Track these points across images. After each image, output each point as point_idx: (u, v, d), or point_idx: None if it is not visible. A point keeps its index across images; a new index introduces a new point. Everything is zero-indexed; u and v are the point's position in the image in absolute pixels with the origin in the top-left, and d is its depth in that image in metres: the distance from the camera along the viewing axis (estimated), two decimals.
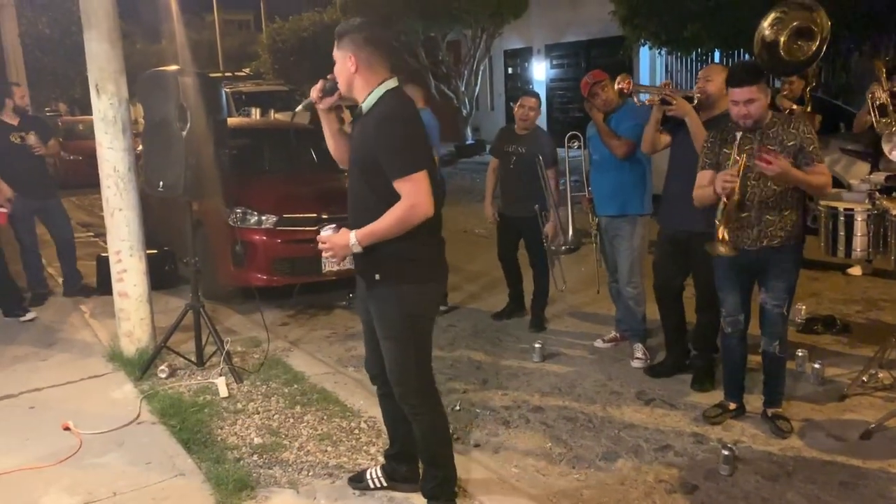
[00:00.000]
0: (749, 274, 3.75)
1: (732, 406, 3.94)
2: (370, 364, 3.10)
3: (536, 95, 5.56)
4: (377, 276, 2.74)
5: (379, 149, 2.64)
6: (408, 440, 3.11)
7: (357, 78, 2.75)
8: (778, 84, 7.03)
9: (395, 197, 2.64)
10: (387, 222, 2.65)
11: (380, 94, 2.75)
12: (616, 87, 4.39)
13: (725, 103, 4.09)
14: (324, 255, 2.75)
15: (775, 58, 4.29)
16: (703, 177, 3.70)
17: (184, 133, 4.30)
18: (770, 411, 3.82)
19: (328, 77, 2.84)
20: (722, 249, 3.50)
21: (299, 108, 2.88)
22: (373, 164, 2.67)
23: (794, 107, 6.21)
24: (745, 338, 3.86)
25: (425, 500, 3.03)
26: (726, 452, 3.37)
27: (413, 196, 2.61)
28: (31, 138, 6.08)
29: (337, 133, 2.99)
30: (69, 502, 3.18)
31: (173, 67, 4.66)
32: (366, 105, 2.75)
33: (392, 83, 2.76)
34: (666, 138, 4.33)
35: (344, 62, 2.75)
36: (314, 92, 2.85)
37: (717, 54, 11.58)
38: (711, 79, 4.14)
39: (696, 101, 4.11)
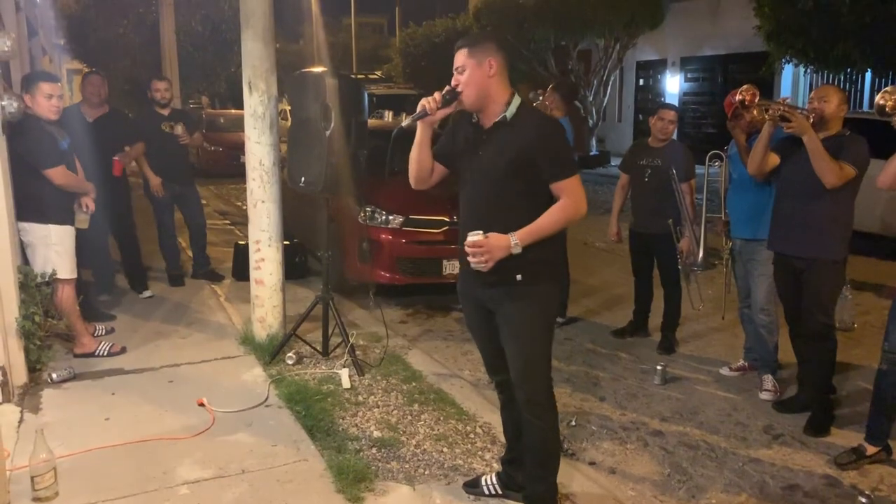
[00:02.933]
0: None
1: (871, 451, 3.68)
2: (494, 369, 3.11)
3: (675, 108, 5.43)
4: (518, 277, 2.78)
5: (540, 151, 2.73)
6: (520, 445, 3.13)
7: (493, 83, 2.77)
8: None
9: (541, 198, 2.74)
10: (549, 221, 2.72)
11: (518, 103, 2.80)
12: (737, 97, 4.20)
13: (838, 125, 3.92)
14: (474, 259, 2.72)
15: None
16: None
17: (327, 132, 4.47)
18: None
19: (448, 87, 2.80)
20: None
21: (408, 121, 2.83)
22: (527, 167, 2.73)
23: None
24: None
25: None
26: (864, 500, 3.17)
27: (575, 195, 2.74)
28: (179, 129, 6.49)
29: (428, 145, 2.94)
30: (202, 474, 3.38)
31: (320, 69, 4.86)
32: (509, 113, 2.78)
33: (518, 98, 2.83)
34: (775, 159, 4.12)
35: (480, 68, 2.75)
36: (431, 102, 2.78)
37: (868, 75, 10.92)
38: (828, 99, 3.92)
39: (811, 121, 3.90)
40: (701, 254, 5.06)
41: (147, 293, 6.34)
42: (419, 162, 2.94)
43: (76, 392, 4.30)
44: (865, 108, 12.52)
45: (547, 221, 2.73)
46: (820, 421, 4.06)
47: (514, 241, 2.69)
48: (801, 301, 4.09)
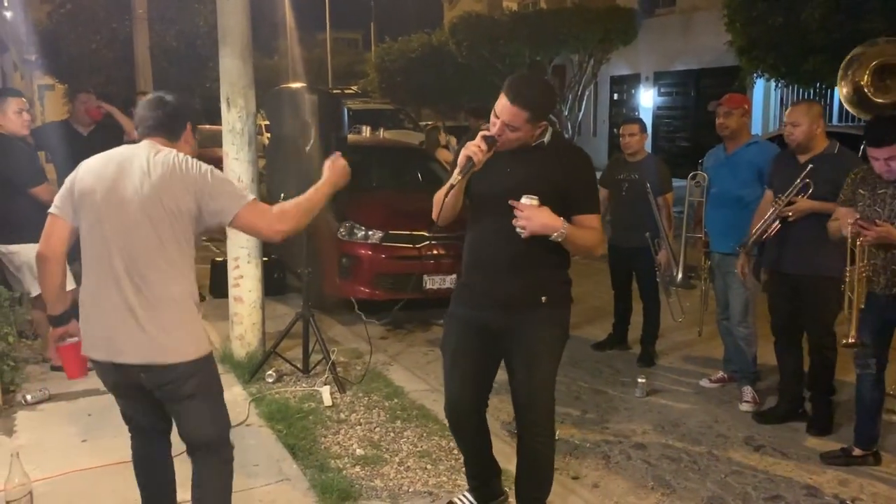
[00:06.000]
0: (883, 319, 3.58)
1: (858, 453, 3.76)
2: (468, 399, 3.00)
3: (637, 121, 5.49)
4: (543, 299, 2.78)
5: (576, 181, 2.77)
6: (491, 461, 3.19)
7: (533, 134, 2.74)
8: None
9: None
10: (585, 235, 2.75)
11: (551, 131, 2.80)
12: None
13: (821, 142, 4.00)
14: (516, 222, 2.64)
15: (865, 101, 4.12)
16: (839, 212, 3.64)
17: (307, 148, 4.46)
18: None
19: (489, 134, 2.68)
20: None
21: (460, 176, 2.65)
22: (557, 193, 2.71)
23: None
24: (879, 381, 3.67)
25: None
26: None
27: (601, 231, 2.82)
28: None
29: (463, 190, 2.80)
30: (183, 496, 3.26)
31: (298, 84, 4.86)
32: (546, 139, 2.77)
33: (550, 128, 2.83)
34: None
35: (532, 130, 2.69)
36: (479, 153, 2.64)
37: (836, 90, 11.13)
38: (798, 122, 3.97)
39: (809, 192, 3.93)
40: (680, 273, 5.07)
41: None
42: (454, 207, 2.82)
43: (52, 414, 4.22)
44: (835, 121, 12.77)
45: (583, 235, 2.74)
46: (822, 421, 4.17)
47: (563, 230, 2.64)
48: (795, 316, 4.18)
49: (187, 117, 2.68)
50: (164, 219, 2.45)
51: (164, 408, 2.65)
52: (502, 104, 2.64)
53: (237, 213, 2.52)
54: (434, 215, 2.85)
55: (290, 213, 2.64)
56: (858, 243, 3.44)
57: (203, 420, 2.63)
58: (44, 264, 2.58)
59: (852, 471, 3.74)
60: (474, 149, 2.65)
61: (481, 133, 2.70)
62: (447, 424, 4.02)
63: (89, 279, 2.54)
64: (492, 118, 2.71)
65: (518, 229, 2.65)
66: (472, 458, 3.18)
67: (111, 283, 2.48)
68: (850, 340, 3.49)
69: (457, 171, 2.69)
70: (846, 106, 4.15)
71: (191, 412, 2.60)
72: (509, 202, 2.65)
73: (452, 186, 2.68)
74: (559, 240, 2.66)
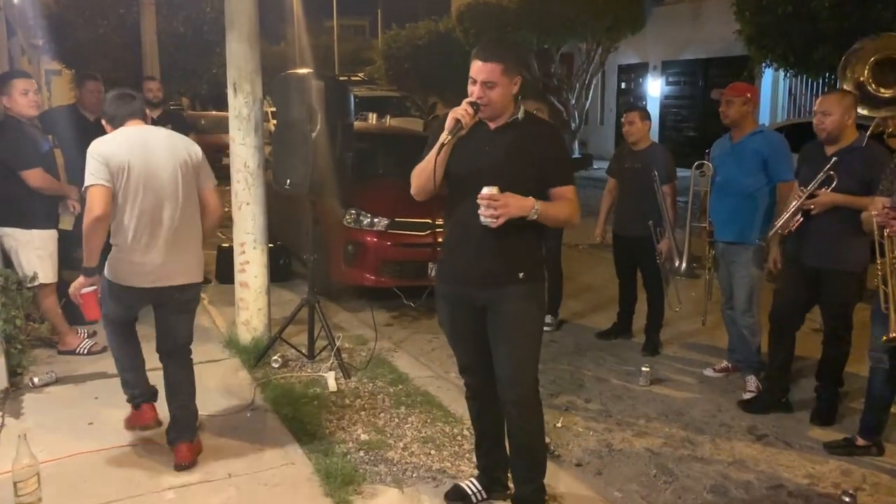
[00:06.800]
0: None
1: (861, 443, 3.78)
2: (472, 370, 3.08)
3: (639, 109, 5.44)
4: (521, 275, 2.84)
5: (551, 158, 2.85)
6: (501, 450, 3.18)
7: (512, 95, 2.82)
8: None
9: (537, 197, 2.78)
10: (558, 210, 2.83)
11: (523, 108, 2.88)
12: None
13: (851, 134, 3.94)
14: (485, 212, 2.67)
15: (870, 97, 4.10)
16: (876, 202, 3.54)
17: (313, 134, 4.46)
18: None
19: (476, 99, 2.75)
20: None
21: (449, 137, 2.72)
22: (534, 168, 2.80)
23: None
24: (892, 377, 3.65)
25: None
26: (847, 499, 3.21)
27: (575, 202, 2.87)
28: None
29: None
30: (188, 479, 3.35)
31: (305, 70, 4.85)
32: (520, 115, 2.84)
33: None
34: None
35: (510, 85, 2.78)
36: (466, 116, 2.72)
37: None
38: (830, 112, 3.91)
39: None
40: (684, 262, 5.05)
41: None
42: (438, 176, 2.82)
43: (59, 396, 4.25)
44: None
45: (557, 209, 2.82)
46: (827, 411, 4.19)
47: (537, 207, 2.71)
48: (800, 308, 4.19)
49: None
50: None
51: (164, 318, 3.52)
52: (477, 67, 2.74)
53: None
54: (412, 189, 2.92)
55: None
56: (886, 233, 3.39)
57: (188, 328, 3.59)
58: (102, 224, 3.25)
59: (855, 461, 3.75)
60: (461, 112, 2.73)
61: (466, 100, 2.77)
62: (449, 411, 4.11)
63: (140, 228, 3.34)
64: (469, 88, 2.78)
65: (487, 220, 2.68)
66: (484, 434, 3.20)
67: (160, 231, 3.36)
68: (892, 335, 3.38)
69: (444, 132, 2.74)
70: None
71: (183, 322, 3.54)
72: (477, 199, 2.68)
73: (443, 145, 2.74)
74: (534, 217, 2.73)
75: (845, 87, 4.63)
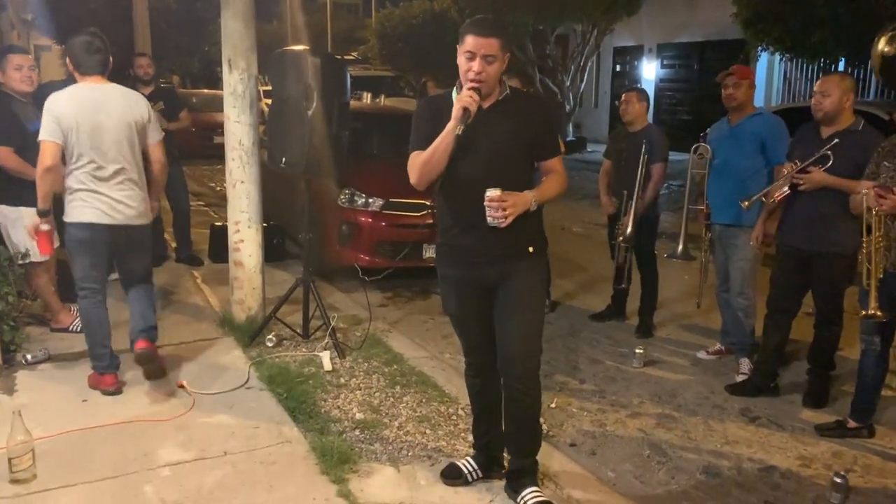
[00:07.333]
0: (892, 297, 3.53)
1: (853, 426, 3.81)
2: (480, 350, 3.07)
3: (636, 90, 5.41)
4: (531, 249, 2.90)
5: (541, 128, 2.92)
6: (498, 428, 3.19)
7: (500, 74, 2.83)
8: None
9: (528, 175, 2.90)
10: (552, 188, 2.90)
11: (508, 85, 2.92)
12: None
13: (848, 117, 3.94)
14: (495, 213, 2.70)
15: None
16: (862, 184, 3.59)
17: (309, 112, 4.42)
18: None
19: (477, 74, 2.72)
20: None
21: (462, 127, 2.65)
22: (526, 142, 2.86)
23: None
24: (883, 358, 3.69)
25: (514, 481, 3.08)
26: (839, 480, 3.23)
27: (564, 172, 2.96)
28: (159, 107, 6.35)
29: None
30: (183, 456, 3.35)
31: (302, 47, 4.80)
32: (507, 92, 2.86)
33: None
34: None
35: (503, 61, 2.78)
36: (473, 104, 2.69)
37: (842, 64, 11.04)
38: (829, 93, 3.91)
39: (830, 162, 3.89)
40: (682, 247, 5.03)
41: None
42: (441, 165, 2.79)
43: (52, 373, 4.24)
44: None
45: (549, 189, 2.89)
46: (819, 394, 4.23)
47: (534, 196, 2.80)
48: (797, 293, 4.20)
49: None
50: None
51: (122, 257, 4.07)
52: (477, 42, 2.70)
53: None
54: (415, 179, 2.87)
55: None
56: (874, 212, 3.42)
57: (147, 261, 4.20)
58: (51, 174, 3.75)
59: (846, 443, 3.79)
60: (468, 99, 2.70)
61: (467, 86, 2.74)
62: (444, 391, 4.12)
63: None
64: (465, 64, 2.74)
65: (495, 222, 2.72)
66: (484, 412, 3.20)
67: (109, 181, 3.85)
68: (870, 311, 3.45)
69: (453, 122, 2.71)
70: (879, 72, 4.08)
71: (141, 257, 4.13)
72: (485, 203, 2.71)
73: (458, 136, 2.69)
74: (534, 208, 2.81)
75: (885, 47, 4.52)
